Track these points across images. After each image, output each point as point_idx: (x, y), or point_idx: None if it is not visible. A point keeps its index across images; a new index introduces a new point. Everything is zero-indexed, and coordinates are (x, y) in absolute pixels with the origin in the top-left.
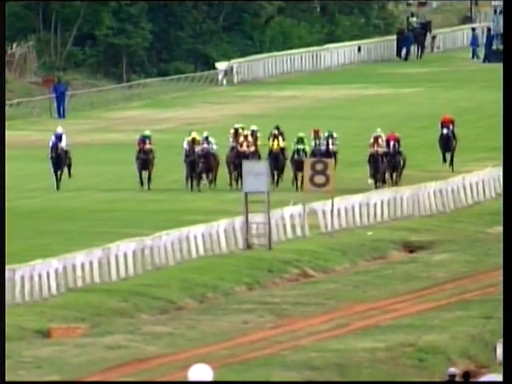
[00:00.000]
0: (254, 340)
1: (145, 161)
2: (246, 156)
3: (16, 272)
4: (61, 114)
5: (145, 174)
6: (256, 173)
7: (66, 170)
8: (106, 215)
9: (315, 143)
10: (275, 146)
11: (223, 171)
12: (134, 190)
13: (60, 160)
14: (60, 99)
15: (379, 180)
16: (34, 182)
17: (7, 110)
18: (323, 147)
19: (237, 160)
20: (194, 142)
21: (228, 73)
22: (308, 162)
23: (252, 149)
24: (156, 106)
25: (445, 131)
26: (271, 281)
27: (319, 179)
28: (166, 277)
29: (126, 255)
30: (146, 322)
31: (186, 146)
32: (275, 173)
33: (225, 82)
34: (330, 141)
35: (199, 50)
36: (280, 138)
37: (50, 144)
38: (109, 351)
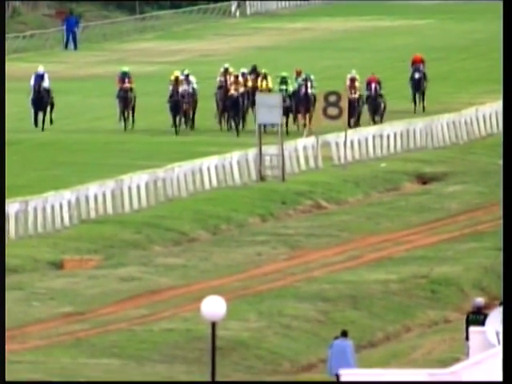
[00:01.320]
0: (268, 272)
1: (125, 99)
2: (235, 99)
3: (29, 203)
4: (72, 46)
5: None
6: (269, 105)
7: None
8: (118, 147)
9: (298, 84)
10: (263, 87)
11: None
12: (147, 121)
13: (42, 100)
14: (71, 31)
15: (355, 124)
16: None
17: (20, 41)
18: (302, 91)
19: (226, 101)
20: (177, 81)
21: (241, 4)
22: (320, 94)
23: (241, 90)
24: (169, 38)
25: (416, 75)
26: (284, 212)
27: (332, 111)
28: (178, 208)
29: (138, 187)
30: (158, 253)
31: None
32: None
33: (238, 13)
34: (308, 84)
35: None
36: (269, 79)
37: (32, 83)
38: (122, 283)
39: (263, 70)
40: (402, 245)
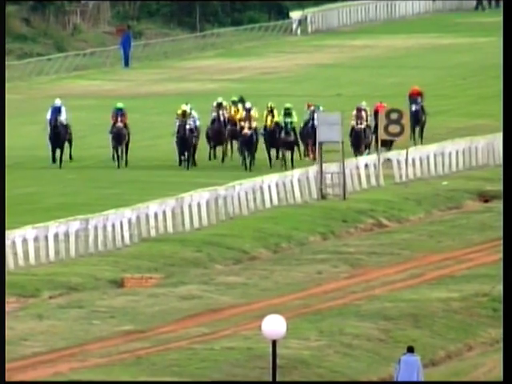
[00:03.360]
0: (328, 290)
1: (119, 136)
2: (249, 137)
3: (89, 222)
4: (129, 63)
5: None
6: (330, 123)
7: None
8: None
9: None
10: (269, 122)
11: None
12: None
13: (59, 136)
14: (125, 48)
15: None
16: (107, 132)
17: (81, 59)
18: (310, 123)
19: (240, 138)
20: (184, 115)
21: (302, 22)
22: (383, 111)
23: (254, 125)
24: (230, 56)
25: (414, 107)
26: (345, 231)
27: (394, 128)
28: (239, 227)
29: (199, 205)
30: (219, 272)
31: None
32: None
33: (299, 31)
34: (315, 116)
35: None
36: (275, 113)
37: (48, 118)
38: (182, 301)
39: (269, 104)
40: (463, 263)
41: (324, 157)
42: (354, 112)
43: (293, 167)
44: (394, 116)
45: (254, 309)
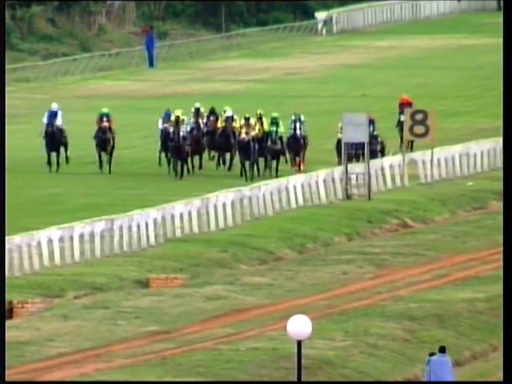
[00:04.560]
0: (354, 290)
1: (103, 140)
2: (246, 143)
3: (115, 222)
4: (154, 64)
5: (104, 155)
6: (356, 123)
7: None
8: (205, 165)
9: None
10: (257, 130)
11: None
12: None
13: (54, 140)
14: (149, 49)
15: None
16: (133, 132)
17: (106, 59)
18: (291, 133)
19: (239, 144)
20: (177, 122)
21: (327, 22)
22: (407, 112)
23: (253, 133)
24: (255, 56)
25: (402, 118)
26: (371, 231)
27: (419, 129)
28: (265, 227)
29: (224, 205)
30: (244, 272)
31: (163, 126)
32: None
33: (324, 31)
34: (298, 125)
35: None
36: (264, 121)
37: (44, 122)
38: (207, 302)
39: (258, 111)
40: (488, 263)
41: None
42: (340, 124)
43: (277, 176)
44: (418, 117)
45: (279, 309)
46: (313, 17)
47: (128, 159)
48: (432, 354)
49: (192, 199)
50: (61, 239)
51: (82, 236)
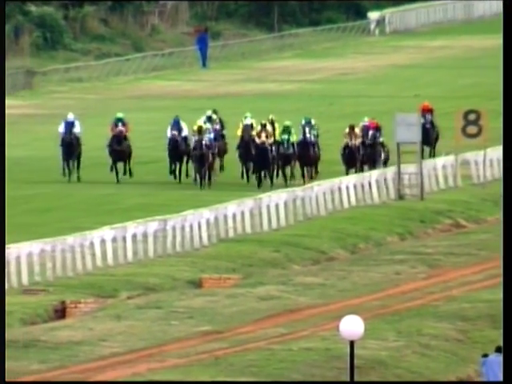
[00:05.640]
0: (406, 291)
1: (118, 152)
2: (264, 149)
3: (167, 223)
4: (207, 64)
5: (120, 164)
6: (408, 123)
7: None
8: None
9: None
10: (269, 137)
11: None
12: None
13: (72, 148)
14: (201, 49)
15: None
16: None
17: (159, 59)
18: (300, 138)
19: (255, 151)
20: (200, 131)
21: (380, 23)
22: (460, 112)
23: (270, 140)
24: (307, 56)
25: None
26: (423, 231)
27: (471, 129)
28: (317, 227)
29: (277, 206)
30: (297, 272)
31: (171, 134)
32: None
33: (377, 31)
34: (307, 129)
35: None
36: (276, 127)
37: (61, 131)
38: (260, 302)
39: (270, 116)
40: None
41: (402, 158)
42: (347, 130)
43: (288, 183)
44: (471, 117)
45: (331, 309)
46: (365, 17)
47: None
48: (485, 355)
49: (245, 199)
50: (114, 239)
51: (134, 236)
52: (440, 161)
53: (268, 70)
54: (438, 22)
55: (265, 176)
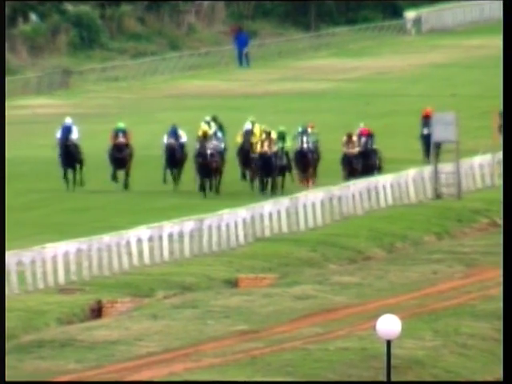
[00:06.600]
0: (443, 290)
1: (118, 160)
2: (268, 157)
3: (204, 222)
4: (242, 63)
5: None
6: (445, 122)
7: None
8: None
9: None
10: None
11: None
12: (323, 138)
13: (70, 156)
14: (241, 48)
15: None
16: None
17: (195, 58)
18: (297, 146)
19: (260, 159)
20: (205, 136)
21: (416, 22)
22: (496, 112)
23: (274, 148)
24: (344, 56)
25: (425, 131)
26: (460, 230)
27: None
28: (354, 226)
29: (313, 205)
30: (334, 271)
31: (167, 142)
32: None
33: (413, 31)
34: (305, 138)
35: None
36: (272, 134)
37: (58, 137)
38: (296, 301)
39: (263, 126)
40: None
41: (439, 157)
42: (345, 138)
43: (281, 193)
44: None
45: (368, 309)
46: (402, 16)
47: None
48: None
49: (281, 199)
50: (150, 239)
51: (171, 235)
52: (477, 160)
53: (304, 69)
54: (474, 21)
55: (267, 182)
